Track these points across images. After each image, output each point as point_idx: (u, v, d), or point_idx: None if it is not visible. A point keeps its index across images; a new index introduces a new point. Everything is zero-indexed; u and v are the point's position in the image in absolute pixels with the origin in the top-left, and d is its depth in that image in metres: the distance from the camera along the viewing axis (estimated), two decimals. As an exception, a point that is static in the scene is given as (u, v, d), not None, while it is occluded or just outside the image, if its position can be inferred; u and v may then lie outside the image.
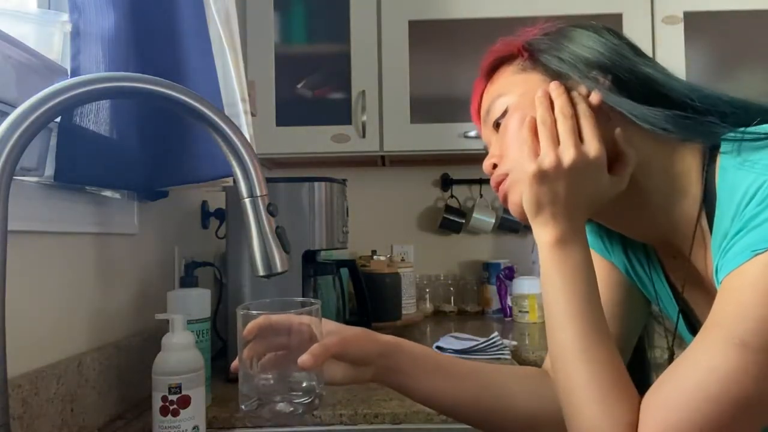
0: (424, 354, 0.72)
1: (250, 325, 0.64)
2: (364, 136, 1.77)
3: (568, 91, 0.64)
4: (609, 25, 0.68)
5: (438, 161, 2.04)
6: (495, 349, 1.32)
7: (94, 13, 0.87)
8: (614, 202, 0.63)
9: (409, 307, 1.82)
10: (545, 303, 0.63)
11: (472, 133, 1.75)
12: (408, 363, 0.70)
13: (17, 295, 0.74)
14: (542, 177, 0.61)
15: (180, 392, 0.82)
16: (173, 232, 1.26)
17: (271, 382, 0.63)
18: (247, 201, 0.61)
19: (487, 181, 2.13)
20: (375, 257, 1.80)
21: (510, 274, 1.94)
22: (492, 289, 1.98)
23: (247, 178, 0.60)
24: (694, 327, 0.72)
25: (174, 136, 1.02)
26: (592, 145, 0.60)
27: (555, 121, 0.62)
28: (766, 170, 0.53)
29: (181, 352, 0.85)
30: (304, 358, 0.61)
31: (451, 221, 2.04)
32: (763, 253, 0.50)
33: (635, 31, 1.73)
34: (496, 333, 1.38)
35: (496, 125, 0.70)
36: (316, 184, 1.22)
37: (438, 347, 1.34)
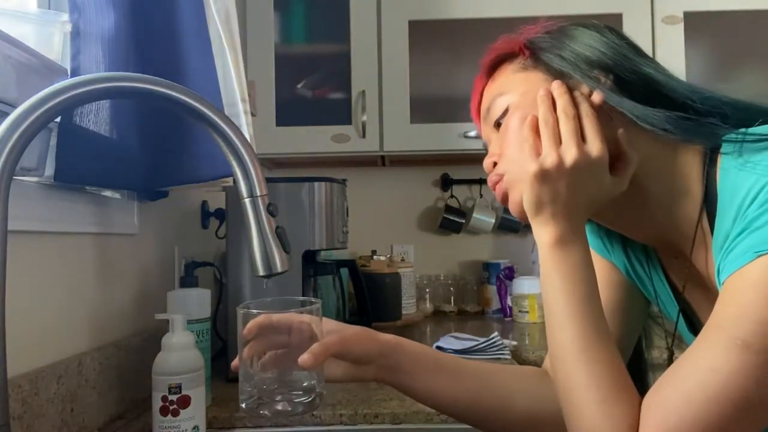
0: (424, 353, 0.72)
1: (251, 324, 0.64)
2: (364, 136, 1.77)
3: (570, 90, 0.64)
4: (610, 25, 0.68)
5: (438, 161, 2.04)
6: (495, 349, 1.32)
7: (94, 13, 0.87)
8: (615, 203, 0.63)
9: (409, 307, 1.82)
10: (545, 303, 0.63)
11: (472, 133, 1.75)
12: (408, 362, 0.70)
13: (17, 295, 0.74)
14: (544, 176, 0.60)
15: (180, 392, 0.82)
16: (173, 232, 1.26)
17: (272, 381, 0.63)
18: (247, 201, 0.61)
19: (486, 181, 2.14)
20: (375, 257, 1.80)
21: (510, 274, 1.94)
22: (492, 289, 1.98)
23: (247, 178, 0.60)
24: (695, 327, 0.72)
25: (174, 136, 1.02)
26: (595, 145, 0.60)
27: (557, 121, 0.62)
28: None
29: (181, 352, 0.85)
30: (304, 357, 0.61)
31: (451, 221, 2.04)
32: (765, 254, 0.50)
33: (635, 31, 1.72)
34: (496, 333, 1.38)
35: (497, 124, 0.70)
36: (316, 184, 1.22)
37: (438, 347, 1.34)
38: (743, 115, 0.60)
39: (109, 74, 0.58)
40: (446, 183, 2.11)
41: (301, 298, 0.72)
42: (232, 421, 0.98)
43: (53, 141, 0.80)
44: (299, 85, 1.89)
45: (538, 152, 0.62)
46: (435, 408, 0.73)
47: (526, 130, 0.63)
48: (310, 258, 1.25)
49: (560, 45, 0.66)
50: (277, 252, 0.61)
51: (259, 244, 0.61)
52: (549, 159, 0.60)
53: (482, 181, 2.06)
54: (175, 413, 0.82)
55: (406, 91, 1.77)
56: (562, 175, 0.60)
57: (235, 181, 0.61)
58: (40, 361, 0.79)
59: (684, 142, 0.62)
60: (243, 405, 0.63)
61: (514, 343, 1.46)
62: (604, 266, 0.79)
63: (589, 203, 0.62)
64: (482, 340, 1.34)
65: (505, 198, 0.68)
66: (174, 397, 0.82)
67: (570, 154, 0.60)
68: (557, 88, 0.64)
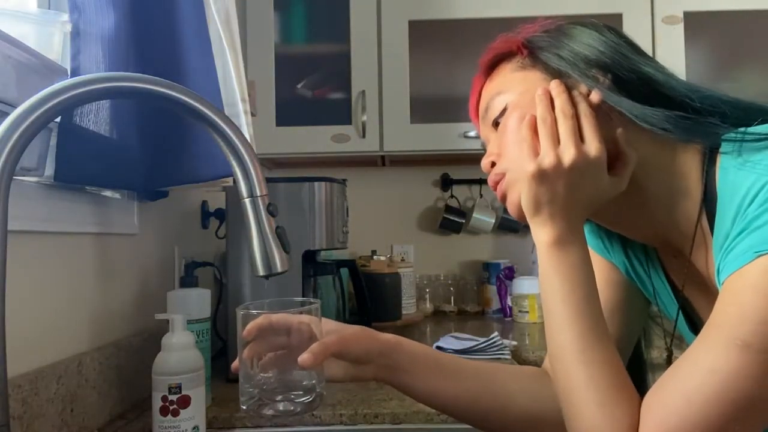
0: (424, 352, 0.72)
1: (250, 325, 0.64)
2: (364, 136, 1.77)
3: (569, 89, 0.64)
4: (609, 24, 0.68)
5: (438, 161, 2.04)
6: (495, 349, 1.32)
7: (94, 13, 0.87)
8: (614, 202, 0.63)
9: (409, 307, 1.82)
10: (544, 303, 0.63)
11: (472, 133, 1.75)
12: (408, 361, 0.70)
13: (17, 295, 0.74)
14: (542, 176, 0.60)
15: (180, 392, 0.82)
16: (173, 232, 1.26)
17: (272, 381, 0.63)
18: (247, 201, 0.61)
19: (487, 181, 2.14)
20: (375, 257, 1.80)
21: (510, 274, 1.94)
22: (492, 289, 1.98)
23: (247, 178, 0.60)
24: (695, 326, 0.72)
25: (174, 136, 1.02)
26: (593, 145, 0.60)
27: (555, 120, 0.62)
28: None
29: (181, 352, 0.85)
30: (304, 357, 0.61)
31: (451, 221, 2.04)
32: (765, 254, 0.50)
33: (635, 31, 1.72)
34: (496, 333, 1.38)
35: (495, 123, 0.69)
36: (316, 184, 1.22)
37: (438, 347, 1.34)
38: (742, 114, 0.60)
39: (109, 74, 0.58)
40: (446, 183, 2.11)
41: (300, 298, 0.71)
42: (232, 421, 0.98)
43: (53, 141, 0.80)
44: (299, 85, 1.89)
45: (536, 152, 0.62)
46: (435, 408, 0.73)
47: (524, 130, 0.63)
48: (310, 258, 1.25)
49: (558, 44, 0.66)
50: (277, 252, 0.61)
51: (259, 244, 0.61)
52: (547, 159, 0.60)
53: (482, 181, 2.06)
54: (175, 413, 0.82)
55: (406, 91, 1.77)
56: (560, 176, 0.60)
57: (235, 181, 0.61)
58: (40, 361, 0.79)
59: (683, 141, 0.62)
60: (243, 406, 0.63)
61: (514, 343, 1.46)
62: (603, 266, 0.79)
63: (588, 203, 0.62)
64: (482, 340, 1.34)
65: (504, 197, 0.68)
66: (174, 397, 0.82)
67: (568, 154, 0.60)
68: (555, 87, 0.64)
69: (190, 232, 1.38)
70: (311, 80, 1.89)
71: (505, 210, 1.99)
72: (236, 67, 1.12)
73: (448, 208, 2.06)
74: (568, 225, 0.61)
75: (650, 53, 0.74)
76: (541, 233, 0.62)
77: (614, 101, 0.62)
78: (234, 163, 0.60)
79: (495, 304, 1.98)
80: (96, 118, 0.89)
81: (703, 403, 0.49)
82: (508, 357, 1.31)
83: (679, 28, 1.74)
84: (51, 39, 0.82)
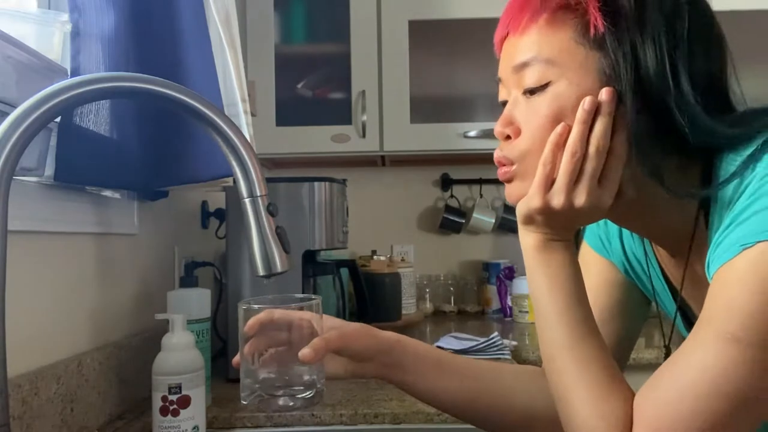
0: (425, 351, 0.72)
1: (251, 321, 0.64)
2: (364, 136, 1.77)
3: (617, 103, 0.57)
4: None
5: (438, 161, 2.04)
6: (495, 349, 1.32)
7: (94, 13, 0.87)
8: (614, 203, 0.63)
9: (409, 307, 1.82)
10: (533, 303, 0.63)
11: (472, 133, 1.75)
12: (409, 359, 0.70)
13: (17, 295, 0.74)
14: (546, 212, 0.59)
15: (180, 392, 0.82)
16: (173, 232, 1.26)
17: (273, 377, 0.63)
18: (247, 201, 0.61)
19: (487, 181, 2.15)
20: (375, 257, 1.80)
21: (510, 274, 1.94)
22: (492, 289, 1.98)
23: (247, 178, 0.60)
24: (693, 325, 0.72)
25: (174, 136, 1.02)
26: (607, 195, 0.57)
27: (583, 156, 0.57)
28: (760, 166, 0.53)
29: (181, 352, 0.85)
30: (304, 352, 0.61)
31: (451, 221, 2.04)
32: (751, 246, 0.49)
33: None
34: (496, 333, 1.38)
35: (529, 91, 0.61)
36: (316, 184, 1.22)
37: (438, 347, 1.34)
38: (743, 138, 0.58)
39: (109, 74, 0.58)
40: (446, 183, 2.11)
41: (301, 295, 0.72)
42: (232, 421, 0.98)
43: (53, 141, 0.80)
44: (299, 85, 1.89)
45: (550, 180, 0.58)
46: (436, 407, 0.73)
47: (547, 153, 0.58)
48: (310, 258, 1.25)
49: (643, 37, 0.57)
50: (277, 252, 0.61)
51: (259, 244, 0.61)
52: (557, 200, 0.58)
53: (482, 181, 2.06)
54: (175, 413, 0.82)
55: (406, 91, 1.77)
56: (565, 214, 0.59)
57: (235, 181, 0.61)
58: (40, 361, 0.79)
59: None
60: (244, 401, 0.63)
61: (514, 343, 1.46)
62: (603, 266, 0.79)
63: (581, 223, 0.62)
64: (482, 340, 1.34)
65: (507, 181, 0.65)
66: (174, 397, 0.82)
67: (579, 200, 0.57)
68: (605, 106, 0.56)
69: (190, 232, 1.38)
70: (311, 80, 1.89)
71: (506, 210, 2.01)
72: (236, 67, 1.12)
73: (448, 208, 2.06)
74: (559, 233, 0.61)
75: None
76: (528, 238, 0.63)
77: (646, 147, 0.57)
78: (234, 163, 0.60)
79: (495, 304, 1.98)
80: (96, 118, 0.89)
81: (696, 399, 0.49)
82: (508, 357, 1.31)
83: (679, 28, 1.73)
84: (51, 39, 0.82)
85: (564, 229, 0.61)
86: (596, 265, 0.79)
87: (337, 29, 1.81)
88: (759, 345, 0.48)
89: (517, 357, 1.40)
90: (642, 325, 0.81)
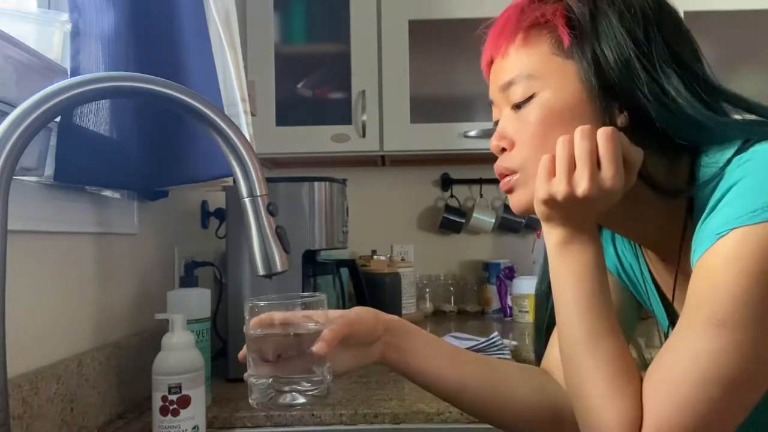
0: (427, 335, 0.73)
1: (255, 321, 0.64)
2: (364, 136, 1.76)
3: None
4: None
5: (438, 161, 2.04)
6: (495, 349, 1.32)
7: (94, 13, 0.87)
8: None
9: (409, 307, 1.82)
10: (555, 301, 0.63)
11: (472, 133, 1.75)
12: (413, 342, 0.71)
13: (17, 295, 0.74)
14: (553, 203, 0.59)
15: (180, 392, 0.83)
16: (173, 232, 1.26)
17: (280, 375, 0.63)
18: (247, 201, 0.61)
19: (487, 181, 2.15)
20: (375, 257, 1.80)
21: (510, 273, 1.94)
22: (492, 289, 1.98)
23: (247, 178, 0.60)
24: None
25: (174, 136, 1.02)
26: (609, 176, 0.57)
27: (596, 146, 0.57)
28: (733, 165, 0.54)
29: (181, 352, 0.85)
30: (318, 345, 0.61)
31: (451, 221, 2.04)
32: (727, 233, 0.51)
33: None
34: (496, 333, 1.38)
35: (516, 106, 0.65)
36: (316, 184, 1.22)
37: (438, 347, 1.34)
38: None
39: (109, 74, 0.59)
40: (446, 183, 2.11)
41: (306, 293, 0.72)
42: (232, 421, 0.98)
43: (53, 141, 0.80)
44: (299, 85, 1.89)
45: (551, 173, 0.59)
46: (437, 391, 0.72)
47: (546, 155, 0.60)
48: (310, 258, 1.25)
49: (608, 32, 0.61)
50: (277, 252, 0.61)
51: (259, 243, 0.61)
52: (560, 188, 0.58)
53: (482, 181, 2.06)
54: (175, 413, 0.82)
55: (406, 91, 1.77)
56: (572, 203, 0.58)
57: (235, 181, 0.61)
58: (40, 361, 0.79)
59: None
60: (252, 400, 0.63)
61: (514, 343, 1.45)
62: None
63: (601, 209, 0.60)
64: (482, 340, 1.34)
65: (510, 191, 0.67)
66: (174, 397, 0.82)
67: (581, 186, 0.57)
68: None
69: (190, 232, 1.38)
70: (311, 80, 1.89)
71: (506, 210, 2.01)
72: (236, 67, 1.12)
73: (448, 208, 2.06)
74: (579, 226, 0.60)
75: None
76: (552, 235, 0.62)
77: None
78: (234, 163, 0.60)
79: (495, 304, 1.98)
80: (96, 118, 0.89)
81: (691, 387, 0.50)
82: (508, 357, 1.31)
83: (679, 28, 1.73)
84: (51, 39, 0.82)
85: (582, 219, 0.60)
86: None
87: (337, 29, 1.81)
88: (746, 327, 0.49)
89: (517, 357, 1.40)
90: (634, 328, 0.82)
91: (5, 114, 0.54)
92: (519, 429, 0.72)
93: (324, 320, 0.65)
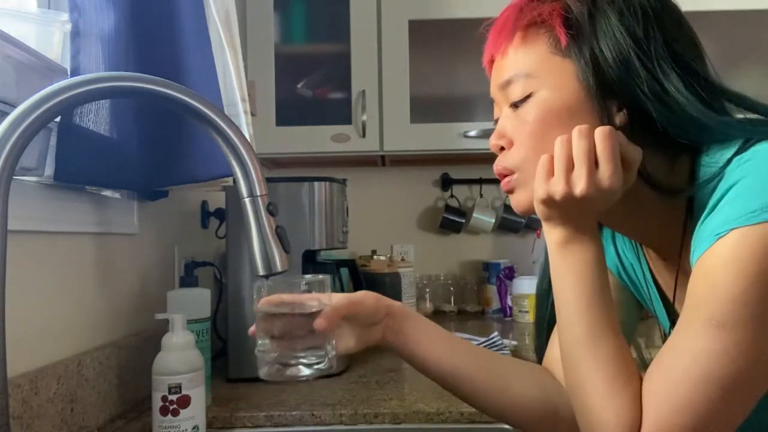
0: (428, 321, 0.74)
1: (265, 299, 0.65)
2: (364, 136, 1.76)
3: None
4: None
5: (438, 161, 2.04)
6: (495, 348, 1.32)
7: (94, 13, 0.87)
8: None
9: (409, 306, 1.82)
10: (555, 300, 0.63)
11: (472, 133, 1.74)
12: (415, 325, 0.72)
13: (17, 295, 0.74)
14: (551, 203, 0.59)
15: (180, 392, 0.83)
16: (173, 232, 1.26)
17: (286, 350, 0.66)
18: (247, 201, 0.61)
19: (487, 181, 2.15)
20: (375, 257, 1.80)
21: (510, 273, 1.94)
22: (492, 289, 1.98)
23: (247, 178, 0.60)
24: None
25: (174, 136, 1.02)
26: (607, 175, 0.57)
27: (593, 145, 0.57)
28: (738, 161, 0.54)
29: (181, 352, 0.85)
30: (318, 321, 0.63)
31: (451, 221, 2.04)
32: (726, 234, 0.51)
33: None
34: (496, 333, 1.38)
35: (514, 104, 0.65)
36: (316, 184, 1.22)
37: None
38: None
39: (109, 74, 0.58)
40: (446, 183, 2.11)
41: (309, 275, 0.74)
42: (232, 421, 0.98)
43: (53, 141, 0.80)
44: (299, 85, 1.89)
45: (550, 173, 0.59)
46: (435, 376, 0.72)
47: (543, 157, 0.60)
48: (310, 258, 1.25)
49: (605, 32, 0.62)
50: (277, 252, 0.61)
51: (259, 243, 0.61)
52: (558, 188, 0.58)
53: (482, 181, 2.06)
54: (175, 413, 0.82)
55: (406, 91, 1.77)
56: (571, 203, 0.58)
57: (235, 181, 0.61)
58: (40, 361, 0.79)
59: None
60: (261, 374, 0.66)
61: (514, 342, 1.46)
62: None
63: (600, 208, 0.60)
64: (482, 340, 1.34)
65: (510, 191, 0.67)
66: (174, 397, 0.82)
67: (579, 186, 0.57)
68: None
69: (190, 232, 1.38)
70: (311, 80, 1.89)
71: (506, 210, 2.01)
72: (236, 67, 1.12)
73: (448, 208, 2.06)
74: (578, 225, 0.60)
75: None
76: (552, 234, 0.62)
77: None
78: (234, 163, 0.60)
79: (495, 304, 1.98)
80: (96, 118, 0.89)
81: (690, 387, 0.50)
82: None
83: (679, 28, 1.73)
84: (51, 39, 0.82)
85: (582, 219, 0.60)
86: None
87: (337, 29, 1.80)
88: (745, 327, 0.49)
89: (517, 357, 1.40)
90: (634, 328, 0.82)
91: (5, 114, 0.54)
92: (514, 421, 0.72)
93: (328, 301, 0.67)
